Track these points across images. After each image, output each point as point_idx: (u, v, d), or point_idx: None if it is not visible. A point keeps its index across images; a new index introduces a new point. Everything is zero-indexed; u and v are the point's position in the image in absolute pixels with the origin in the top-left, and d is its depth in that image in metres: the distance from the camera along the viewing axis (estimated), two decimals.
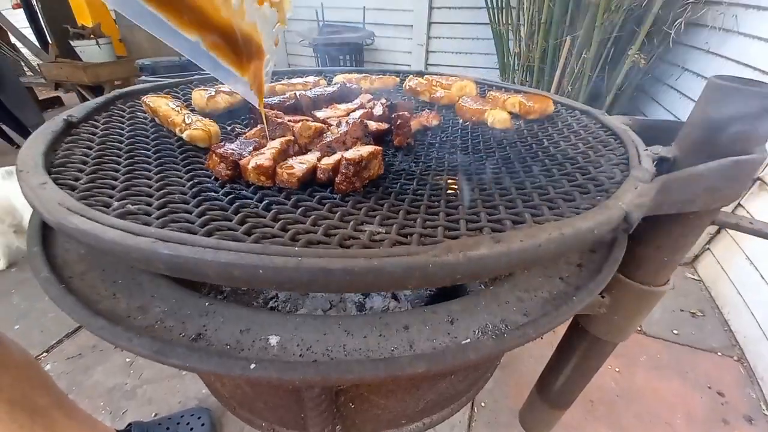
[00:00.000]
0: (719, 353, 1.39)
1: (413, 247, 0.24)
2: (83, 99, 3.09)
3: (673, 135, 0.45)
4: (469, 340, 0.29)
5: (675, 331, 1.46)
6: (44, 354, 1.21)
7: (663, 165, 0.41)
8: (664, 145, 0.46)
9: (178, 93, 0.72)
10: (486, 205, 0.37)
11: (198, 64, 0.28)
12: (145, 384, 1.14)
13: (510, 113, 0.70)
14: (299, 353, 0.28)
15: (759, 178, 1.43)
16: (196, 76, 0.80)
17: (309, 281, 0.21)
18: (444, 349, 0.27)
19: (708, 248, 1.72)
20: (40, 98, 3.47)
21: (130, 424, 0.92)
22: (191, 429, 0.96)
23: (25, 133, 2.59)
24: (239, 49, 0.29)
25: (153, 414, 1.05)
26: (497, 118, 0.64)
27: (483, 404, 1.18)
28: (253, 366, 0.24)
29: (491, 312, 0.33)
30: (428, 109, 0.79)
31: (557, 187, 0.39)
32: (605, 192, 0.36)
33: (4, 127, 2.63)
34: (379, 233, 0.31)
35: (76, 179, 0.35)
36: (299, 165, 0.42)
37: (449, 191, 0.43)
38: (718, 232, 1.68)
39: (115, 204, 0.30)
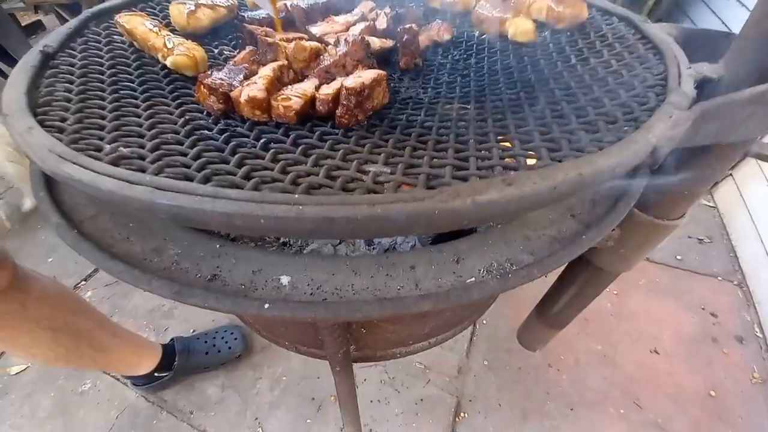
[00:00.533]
0: (719, 278, 1.42)
1: (419, 192, 0.23)
2: (62, 20, 2.83)
3: (725, 48, 0.39)
4: (474, 279, 0.30)
5: (678, 257, 1.49)
6: (83, 282, 1.33)
7: (706, 87, 0.36)
8: (713, 62, 0.40)
9: (155, 8, 0.63)
10: (500, 139, 0.34)
11: None
12: (181, 305, 1.27)
13: (535, 21, 0.61)
14: (310, 292, 0.29)
15: None
16: None
17: (312, 230, 0.21)
18: (449, 288, 0.28)
19: (730, 174, 1.64)
20: (23, 24, 3.19)
21: (172, 339, 1.05)
22: (226, 342, 1.09)
23: (12, 62, 2.45)
24: None
25: (192, 330, 1.20)
26: (519, 29, 0.56)
27: (484, 321, 1.30)
28: (267, 306, 0.26)
29: (498, 251, 0.33)
30: (439, 19, 0.69)
31: (581, 116, 0.35)
32: (634, 121, 0.32)
33: None
34: (383, 173, 0.29)
35: (63, 119, 0.33)
36: (296, 98, 0.38)
37: (460, 123, 0.40)
38: (743, 157, 1.59)
39: (107, 147, 0.29)
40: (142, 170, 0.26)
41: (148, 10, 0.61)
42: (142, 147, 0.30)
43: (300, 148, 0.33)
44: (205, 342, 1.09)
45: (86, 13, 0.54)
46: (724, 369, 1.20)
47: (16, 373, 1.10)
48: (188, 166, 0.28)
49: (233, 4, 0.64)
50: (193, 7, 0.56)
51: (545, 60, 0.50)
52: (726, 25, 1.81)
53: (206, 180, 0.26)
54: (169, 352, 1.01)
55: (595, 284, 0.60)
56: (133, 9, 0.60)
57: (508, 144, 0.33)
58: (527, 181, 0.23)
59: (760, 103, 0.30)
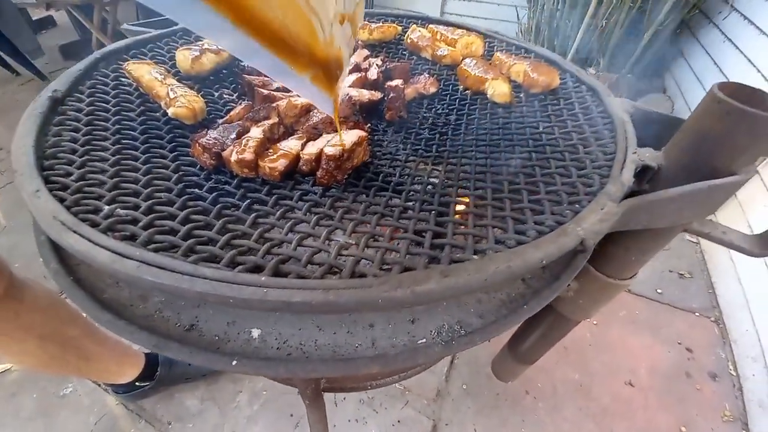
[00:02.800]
0: (697, 313, 1.45)
1: (368, 280, 0.27)
2: (73, 18, 2.90)
3: (674, 133, 0.43)
4: (425, 341, 0.34)
5: (659, 291, 1.53)
6: None
7: (647, 172, 0.40)
8: (664, 142, 0.44)
9: (162, 48, 0.68)
10: (458, 210, 0.38)
11: (298, 93, 0.30)
12: None
13: (513, 81, 0.66)
14: (277, 346, 0.33)
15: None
16: (179, 25, 0.74)
17: (273, 308, 0.25)
18: (398, 351, 0.32)
19: (714, 213, 1.70)
20: (33, 18, 3.28)
21: None
22: None
23: (22, 59, 2.50)
24: (332, 73, 0.30)
25: None
26: (497, 91, 0.61)
27: None
28: (234, 362, 0.29)
29: (450, 313, 0.36)
30: (429, 69, 0.74)
31: (532, 192, 0.40)
32: (577, 204, 0.37)
33: (1, 54, 2.53)
34: (348, 244, 0.33)
35: (68, 174, 0.37)
36: (281, 159, 0.42)
37: (428, 187, 0.44)
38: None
39: (105, 210, 0.33)
40: (134, 236, 0.30)
41: (156, 50, 0.66)
42: (137, 207, 0.34)
43: (279, 210, 0.37)
44: None
45: (96, 54, 0.58)
46: (696, 405, 1.23)
47: (0, 372, 1.12)
48: (176, 232, 0.32)
49: None
50: (198, 53, 0.61)
51: (516, 125, 0.55)
52: (716, 62, 1.88)
53: (190, 250, 0.29)
54: (152, 361, 1.02)
55: (558, 328, 0.64)
56: (143, 50, 0.64)
57: (464, 218, 0.37)
58: (462, 273, 0.27)
59: (686, 200, 0.35)
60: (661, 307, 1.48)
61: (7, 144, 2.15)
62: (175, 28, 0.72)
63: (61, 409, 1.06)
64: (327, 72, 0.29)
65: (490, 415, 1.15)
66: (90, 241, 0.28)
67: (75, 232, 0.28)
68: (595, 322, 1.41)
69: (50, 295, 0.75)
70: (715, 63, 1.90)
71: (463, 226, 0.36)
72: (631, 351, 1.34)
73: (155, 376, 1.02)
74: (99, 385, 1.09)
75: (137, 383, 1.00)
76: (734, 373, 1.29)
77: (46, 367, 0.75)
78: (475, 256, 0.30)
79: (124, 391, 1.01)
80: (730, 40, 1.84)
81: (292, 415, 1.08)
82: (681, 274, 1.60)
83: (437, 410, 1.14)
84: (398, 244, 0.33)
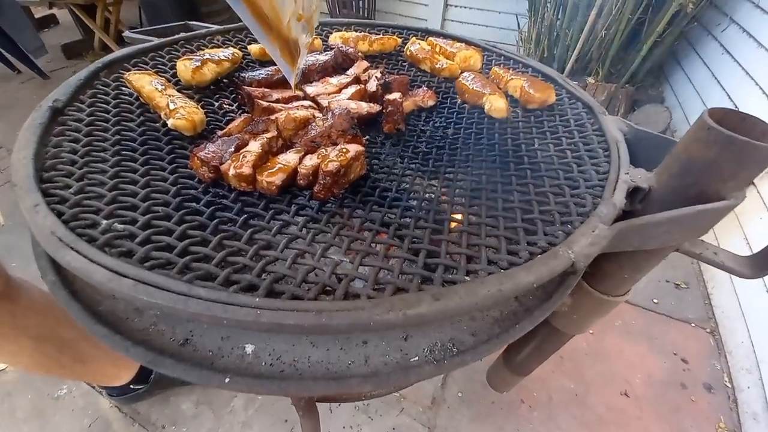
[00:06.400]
0: (693, 324, 1.46)
1: (360, 302, 0.27)
2: (75, 17, 2.91)
3: (666, 154, 0.44)
4: (417, 359, 0.34)
5: (655, 300, 1.53)
6: None
7: (638, 193, 0.41)
8: (655, 160, 0.45)
9: (164, 57, 0.68)
10: (453, 230, 0.39)
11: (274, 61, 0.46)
12: None
13: (510, 96, 0.66)
14: (270, 362, 0.33)
15: None
16: (182, 34, 0.75)
17: (267, 330, 0.25)
18: (392, 369, 0.32)
19: (704, 234, 1.70)
20: (36, 16, 3.30)
21: None
22: None
23: (24, 58, 2.50)
24: (292, 52, 0.45)
25: None
26: (494, 106, 0.61)
27: None
28: (227, 380, 0.30)
29: (443, 330, 0.37)
30: (428, 82, 0.75)
31: (526, 211, 0.40)
32: (569, 225, 0.37)
33: (3, 52, 2.53)
34: (343, 262, 0.33)
35: (67, 187, 0.38)
36: (279, 173, 0.43)
37: (424, 203, 0.44)
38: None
39: (103, 224, 0.33)
40: (131, 252, 0.30)
41: (157, 59, 0.66)
42: (134, 222, 0.34)
43: (276, 226, 0.38)
44: None
45: (97, 63, 0.59)
46: (691, 417, 1.23)
47: None
48: (172, 248, 0.32)
49: (237, 56, 0.69)
50: (198, 63, 0.61)
51: (512, 140, 0.55)
52: (714, 74, 1.90)
53: (185, 267, 0.30)
54: None
55: (552, 341, 0.64)
56: (144, 59, 0.65)
57: (458, 237, 0.37)
58: (454, 297, 0.27)
59: (675, 224, 0.35)
60: (657, 317, 1.48)
61: (7, 142, 2.15)
62: (176, 37, 0.73)
63: (55, 410, 1.06)
64: (288, 49, 0.43)
65: (485, 422, 1.15)
66: (87, 258, 0.28)
67: (72, 248, 0.29)
68: (591, 332, 1.41)
69: (47, 297, 0.75)
70: (714, 75, 1.92)
71: (456, 245, 0.36)
72: (627, 361, 1.34)
73: (150, 379, 1.02)
74: (93, 387, 1.09)
75: (132, 386, 1.00)
76: (729, 385, 1.29)
77: (42, 368, 0.75)
78: (467, 278, 0.31)
79: (119, 393, 1.01)
80: (728, 52, 1.86)
81: (286, 421, 1.08)
82: (677, 285, 1.61)
83: (432, 417, 1.14)
84: (392, 263, 0.34)
